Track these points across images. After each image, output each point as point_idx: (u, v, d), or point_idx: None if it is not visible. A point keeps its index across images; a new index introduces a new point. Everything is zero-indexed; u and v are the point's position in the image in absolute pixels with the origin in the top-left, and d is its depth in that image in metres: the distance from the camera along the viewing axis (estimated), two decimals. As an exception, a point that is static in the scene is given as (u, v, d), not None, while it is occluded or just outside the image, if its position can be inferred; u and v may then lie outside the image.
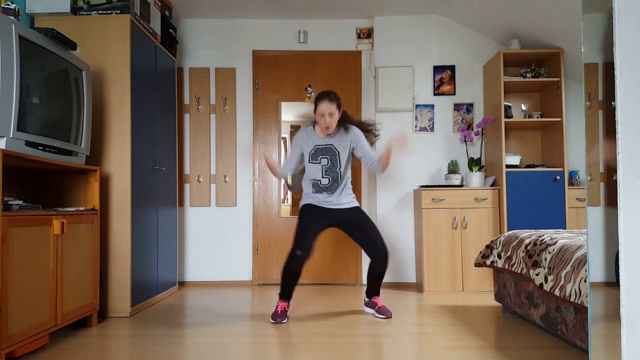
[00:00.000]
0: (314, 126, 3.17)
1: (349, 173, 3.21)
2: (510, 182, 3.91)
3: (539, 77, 4.09)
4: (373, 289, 3.22)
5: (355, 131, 3.16)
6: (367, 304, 3.27)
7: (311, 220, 3.10)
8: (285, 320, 3.00)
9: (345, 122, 3.17)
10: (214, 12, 4.38)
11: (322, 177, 3.11)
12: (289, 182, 3.43)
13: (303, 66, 4.53)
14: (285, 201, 4.54)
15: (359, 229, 3.12)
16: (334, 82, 4.52)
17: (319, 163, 3.10)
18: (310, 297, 3.83)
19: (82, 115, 2.79)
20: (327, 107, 3.01)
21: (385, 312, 3.11)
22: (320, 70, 4.54)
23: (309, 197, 3.19)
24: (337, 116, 3.06)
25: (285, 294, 3.10)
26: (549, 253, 2.38)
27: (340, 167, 3.11)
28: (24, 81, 2.29)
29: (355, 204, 3.21)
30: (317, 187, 3.13)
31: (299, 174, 3.33)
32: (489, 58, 4.37)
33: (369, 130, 3.28)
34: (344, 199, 3.17)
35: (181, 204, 4.44)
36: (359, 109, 4.51)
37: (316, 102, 3.06)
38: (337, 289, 4.24)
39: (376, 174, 3.09)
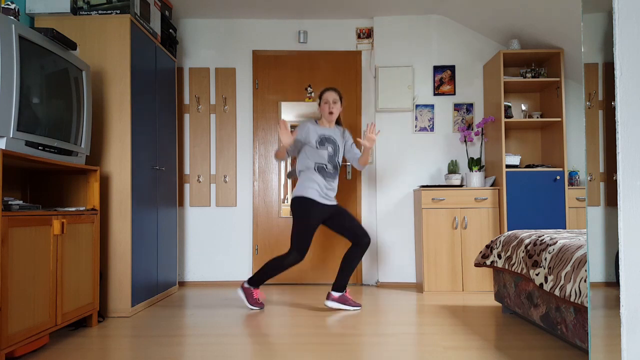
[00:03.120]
0: (316, 120, 3.47)
1: None
2: (510, 182, 3.91)
3: (539, 77, 4.09)
4: (345, 281, 3.38)
5: (347, 132, 3.54)
6: (337, 300, 3.37)
7: (316, 222, 3.29)
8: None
9: (339, 123, 3.55)
10: (214, 12, 4.38)
11: (327, 162, 3.34)
12: (290, 168, 3.66)
13: (303, 66, 4.53)
14: (285, 201, 4.54)
15: (340, 216, 3.37)
16: (334, 82, 4.52)
17: (326, 149, 3.34)
18: (310, 297, 3.83)
19: (82, 115, 2.79)
20: (331, 95, 3.38)
21: (356, 304, 3.38)
22: (320, 70, 4.54)
23: (314, 185, 3.29)
24: (339, 106, 3.40)
25: (260, 283, 3.40)
26: (549, 253, 2.38)
27: (338, 156, 3.40)
28: (24, 81, 2.29)
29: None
30: (323, 172, 3.33)
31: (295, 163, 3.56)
32: (489, 58, 4.37)
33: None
34: (333, 194, 3.41)
35: (181, 204, 4.44)
36: (359, 109, 4.51)
37: (322, 93, 3.44)
38: (337, 289, 4.24)
39: (361, 171, 3.76)
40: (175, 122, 4.09)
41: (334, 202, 3.39)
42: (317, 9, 4.32)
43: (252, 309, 3.37)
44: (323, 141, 3.34)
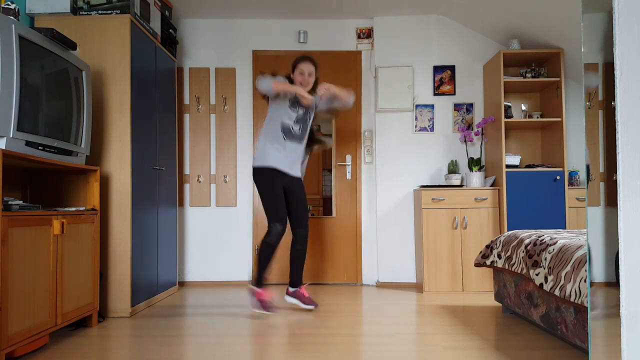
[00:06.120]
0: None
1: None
2: (510, 182, 3.91)
3: (539, 77, 4.09)
4: (298, 275, 3.37)
5: (316, 97, 3.36)
6: (292, 295, 3.36)
7: (281, 188, 3.24)
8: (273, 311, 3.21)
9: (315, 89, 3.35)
10: (214, 12, 4.38)
11: (294, 124, 3.26)
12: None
13: (303, 66, 4.52)
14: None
15: (296, 199, 3.31)
16: (334, 82, 4.47)
17: (296, 111, 3.26)
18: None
19: (82, 115, 2.79)
20: (307, 67, 3.30)
21: (312, 303, 3.32)
22: (320, 70, 4.51)
23: (275, 151, 3.21)
24: (313, 79, 3.33)
25: (261, 280, 3.23)
26: (549, 253, 2.38)
27: (309, 119, 3.35)
28: (24, 81, 2.29)
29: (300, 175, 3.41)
30: (289, 134, 3.24)
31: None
32: (489, 58, 4.37)
33: (317, 139, 3.49)
34: (297, 167, 3.33)
35: (181, 204, 4.44)
36: (359, 109, 4.51)
37: (296, 62, 3.31)
38: (337, 289, 4.24)
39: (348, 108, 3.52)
40: (175, 122, 4.09)
41: (298, 175, 3.33)
42: (317, 9, 4.32)
43: (257, 312, 3.18)
44: (295, 104, 3.25)
